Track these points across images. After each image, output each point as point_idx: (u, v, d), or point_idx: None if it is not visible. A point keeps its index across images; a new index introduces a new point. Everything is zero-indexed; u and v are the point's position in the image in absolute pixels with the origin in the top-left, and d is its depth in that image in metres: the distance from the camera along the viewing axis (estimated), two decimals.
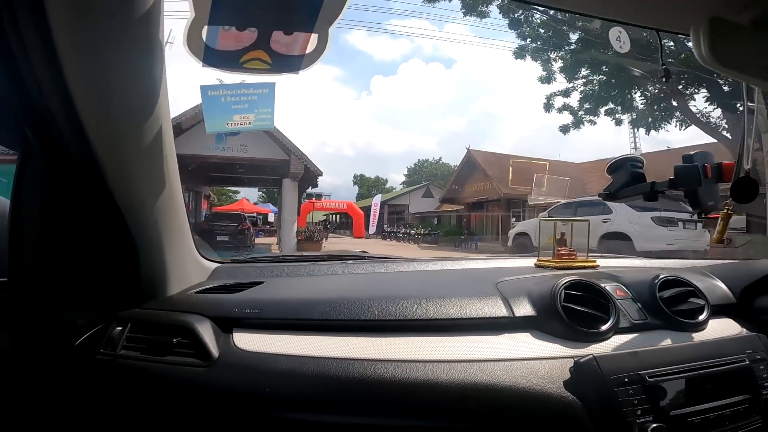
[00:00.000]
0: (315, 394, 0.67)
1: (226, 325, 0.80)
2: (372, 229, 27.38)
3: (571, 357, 0.69)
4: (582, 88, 12.59)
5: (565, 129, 13.28)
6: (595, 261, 1.09)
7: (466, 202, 22.46)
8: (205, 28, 0.62)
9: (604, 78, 12.09)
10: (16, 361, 0.75)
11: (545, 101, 12.80)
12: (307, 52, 0.67)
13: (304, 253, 1.46)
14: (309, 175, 12.97)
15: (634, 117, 12.51)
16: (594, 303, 0.77)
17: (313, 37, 0.66)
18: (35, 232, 0.73)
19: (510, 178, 16.11)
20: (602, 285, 0.81)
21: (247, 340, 0.76)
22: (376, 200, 28.30)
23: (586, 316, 0.75)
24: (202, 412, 0.70)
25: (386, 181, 58.69)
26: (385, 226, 27.80)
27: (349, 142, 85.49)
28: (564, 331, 0.73)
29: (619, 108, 12.52)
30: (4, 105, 0.60)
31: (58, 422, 0.75)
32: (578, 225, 1.13)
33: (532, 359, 0.69)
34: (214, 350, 0.74)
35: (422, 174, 49.44)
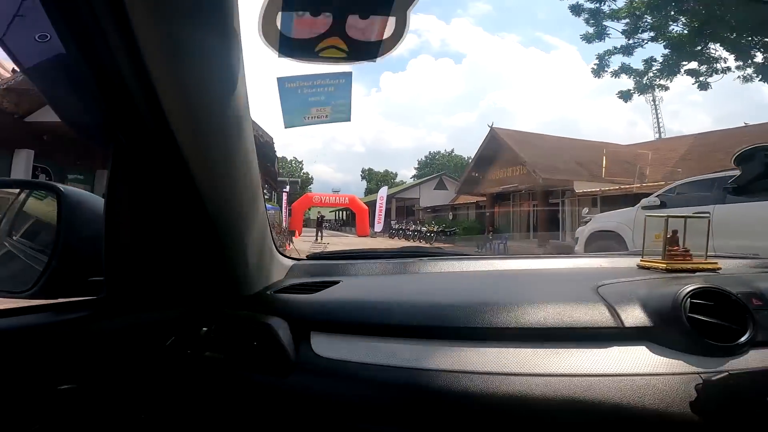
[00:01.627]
0: (397, 406, 0.65)
1: (305, 327, 0.78)
2: (378, 227, 23.96)
3: (698, 373, 0.62)
4: (654, 41, 9.35)
5: (626, 96, 10.31)
6: (716, 263, 0.95)
7: (490, 192, 18.83)
8: (279, 14, 0.62)
9: (695, 24, 8.51)
10: (113, 358, 0.77)
11: (597, 63, 10.06)
12: (385, 37, 0.67)
13: (379, 249, 1.47)
14: (261, 148, 9.62)
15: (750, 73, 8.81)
16: (725, 313, 0.68)
17: (391, 21, 0.66)
18: (128, 231, 0.76)
19: (604, 166, 14.04)
20: (733, 291, 0.71)
21: (326, 345, 0.74)
22: (382, 193, 24.77)
23: (715, 328, 0.66)
24: (281, 420, 0.71)
25: (395, 175, 56.39)
26: (392, 222, 24.29)
27: (359, 138, 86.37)
28: (688, 345, 0.65)
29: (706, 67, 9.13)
30: (95, 105, 0.61)
31: (146, 419, 0.77)
32: (694, 222, 1.01)
33: (648, 375, 0.62)
34: (292, 355, 0.73)
35: (434, 167, 47.00)
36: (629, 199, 8.57)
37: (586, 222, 6.70)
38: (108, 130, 0.65)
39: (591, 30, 9.50)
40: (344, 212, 37.07)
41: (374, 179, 53.63)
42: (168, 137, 0.58)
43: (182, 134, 0.59)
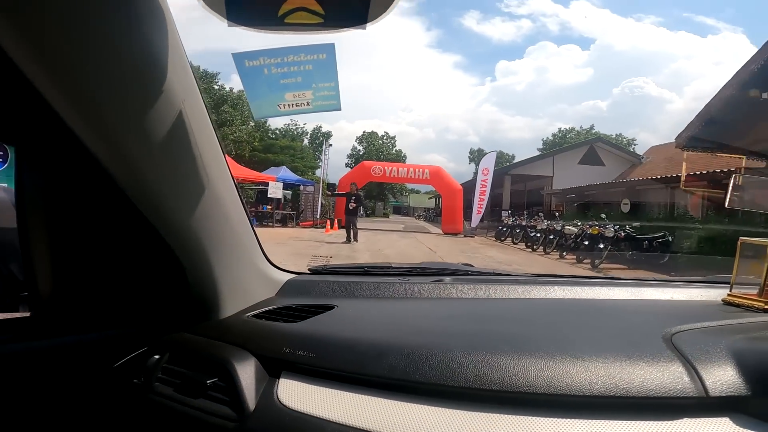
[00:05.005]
0: None
1: (275, 366, 0.67)
2: (477, 220, 14.30)
3: None
4: None
5: None
6: None
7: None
8: None
9: None
10: (43, 381, 0.69)
11: None
12: None
13: (393, 264, 1.24)
14: None
15: None
16: None
17: None
18: (45, 242, 0.70)
19: None
20: None
21: (294, 393, 0.62)
22: (486, 163, 14.87)
23: None
24: None
25: (513, 157, 44.91)
26: (503, 214, 14.24)
27: (473, 128, 79.44)
28: None
29: None
30: None
31: None
32: None
33: None
34: (251, 402, 0.63)
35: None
36: None
37: None
38: (9, 123, 0.60)
39: None
40: (438, 200, 28.05)
41: None
42: (73, 131, 0.51)
43: (90, 127, 0.51)
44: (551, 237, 9.44)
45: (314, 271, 1.08)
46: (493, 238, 13.69)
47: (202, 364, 0.68)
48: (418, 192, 53.77)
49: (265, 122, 28.09)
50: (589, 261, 7.65)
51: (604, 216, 9.47)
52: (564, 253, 8.69)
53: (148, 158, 0.55)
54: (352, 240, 9.68)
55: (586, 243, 7.97)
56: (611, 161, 17.95)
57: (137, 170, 0.56)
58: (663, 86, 66.40)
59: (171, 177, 0.59)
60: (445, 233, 14.76)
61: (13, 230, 0.70)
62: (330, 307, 0.80)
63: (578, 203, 14.61)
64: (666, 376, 0.51)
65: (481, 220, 14.36)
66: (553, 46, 74.16)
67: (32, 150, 0.63)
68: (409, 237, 12.72)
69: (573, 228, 9.04)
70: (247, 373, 0.65)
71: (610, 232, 7.77)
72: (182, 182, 0.61)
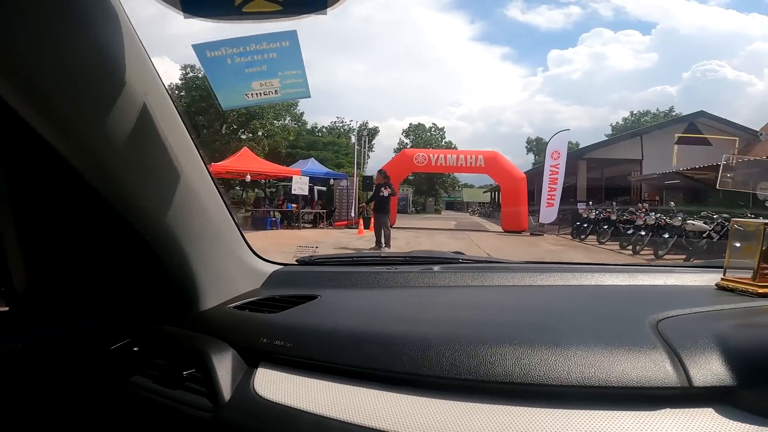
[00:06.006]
0: None
1: (253, 357, 0.67)
2: (548, 214, 11.82)
3: None
4: None
5: None
6: None
7: None
8: None
9: None
10: (20, 374, 0.70)
11: None
12: None
13: (382, 254, 1.33)
14: None
15: None
16: None
17: None
18: (15, 236, 0.70)
19: None
20: None
21: (270, 383, 0.62)
22: (556, 145, 12.23)
23: None
24: None
25: (576, 144, 40.52)
26: (580, 206, 11.60)
27: (527, 120, 78.79)
28: None
29: None
30: None
31: None
32: None
33: None
34: (226, 393, 0.63)
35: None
36: None
37: None
38: None
39: None
40: (496, 193, 25.45)
41: (544, 150, 39.03)
42: (32, 130, 0.51)
43: (41, 125, 0.52)
44: (665, 236, 6.81)
45: (301, 261, 1.06)
46: (568, 236, 11.07)
47: (181, 355, 0.69)
48: (471, 186, 50.78)
49: (302, 115, 27.27)
50: None
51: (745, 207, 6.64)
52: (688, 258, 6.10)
53: (112, 151, 0.55)
54: (383, 245, 6.95)
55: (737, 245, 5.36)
56: (718, 140, 14.25)
57: (102, 164, 0.56)
58: (740, 69, 62.73)
59: (139, 170, 0.59)
60: (505, 231, 12.36)
61: None
62: (313, 297, 0.79)
63: (685, 190, 11.44)
64: (648, 365, 0.50)
65: (556, 215, 11.74)
66: (609, 32, 72.58)
67: None
68: (461, 237, 10.56)
69: (699, 223, 6.38)
70: (223, 363, 0.64)
71: None
72: (151, 175, 0.61)
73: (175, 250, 0.68)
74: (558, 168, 11.59)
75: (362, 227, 10.24)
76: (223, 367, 0.64)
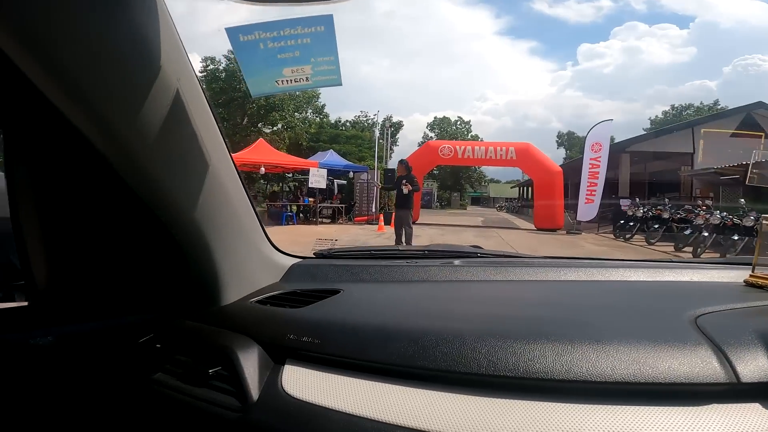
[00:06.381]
0: None
1: (280, 353, 0.66)
2: (588, 210, 10.86)
3: None
4: None
5: None
6: None
7: None
8: None
9: None
10: (42, 371, 0.69)
11: None
12: None
13: (400, 248, 1.28)
14: None
15: None
16: None
17: None
18: (38, 230, 0.68)
19: None
20: None
21: (299, 381, 0.61)
22: (598, 136, 11.18)
23: None
24: None
25: (612, 139, 38.39)
26: (623, 203, 10.54)
27: (555, 115, 78.35)
28: None
29: None
30: None
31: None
32: None
33: None
34: (254, 391, 0.62)
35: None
36: None
37: None
38: None
39: None
40: (527, 188, 24.36)
41: (577, 144, 37.88)
42: (61, 119, 0.51)
43: (77, 110, 0.51)
44: (735, 237, 5.83)
45: (319, 255, 1.05)
46: (609, 235, 10.06)
47: (205, 352, 0.67)
48: (498, 182, 49.23)
49: (323, 108, 26.82)
50: None
51: None
52: None
53: (143, 139, 0.55)
54: (403, 244, 6.08)
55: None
56: None
57: (132, 153, 0.56)
58: None
59: (168, 159, 0.59)
60: (538, 229, 11.43)
61: (8, 219, 0.70)
62: (336, 292, 0.79)
63: (745, 186, 10.20)
64: (694, 361, 0.50)
65: (599, 210, 10.71)
66: (644, 26, 70.54)
67: (21, 135, 0.62)
68: (490, 235, 9.73)
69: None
70: (250, 361, 0.64)
71: None
72: (180, 164, 0.60)
73: (200, 242, 0.66)
74: (599, 161, 10.58)
75: (383, 223, 9.59)
76: (250, 364, 0.63)
